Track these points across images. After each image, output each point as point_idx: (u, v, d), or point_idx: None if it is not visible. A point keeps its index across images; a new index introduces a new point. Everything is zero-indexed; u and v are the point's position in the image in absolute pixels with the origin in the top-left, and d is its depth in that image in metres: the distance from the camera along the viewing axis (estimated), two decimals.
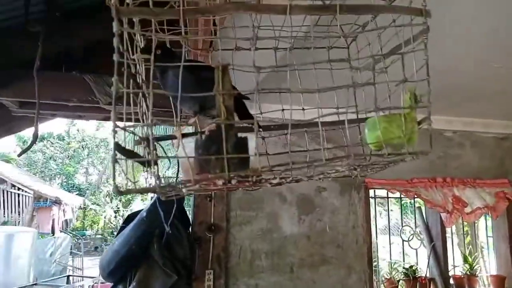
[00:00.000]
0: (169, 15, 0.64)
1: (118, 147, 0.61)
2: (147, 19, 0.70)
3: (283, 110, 1.02)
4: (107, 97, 3.05)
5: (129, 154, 0.65)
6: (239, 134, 0.69)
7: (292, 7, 0.67)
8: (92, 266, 11.00)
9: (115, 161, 0.59)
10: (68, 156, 18.33)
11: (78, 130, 18.30)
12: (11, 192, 11.34)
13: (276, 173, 0.68)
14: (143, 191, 0.62)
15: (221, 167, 0.63)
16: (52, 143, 17.86)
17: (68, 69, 3.02)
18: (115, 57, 0.61)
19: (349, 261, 3.39)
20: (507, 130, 3.96)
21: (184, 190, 0.71)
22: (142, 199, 16.24)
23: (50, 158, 17.68)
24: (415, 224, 4.18)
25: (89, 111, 3.22)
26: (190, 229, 3.14)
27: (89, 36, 3.13)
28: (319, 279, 3.29)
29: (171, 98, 0.86)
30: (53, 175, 18.12)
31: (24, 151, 2.69)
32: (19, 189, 11.55)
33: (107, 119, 3.47)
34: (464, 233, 4.91)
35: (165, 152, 0.78)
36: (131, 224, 2.81)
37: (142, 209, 2.98)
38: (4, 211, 11.12)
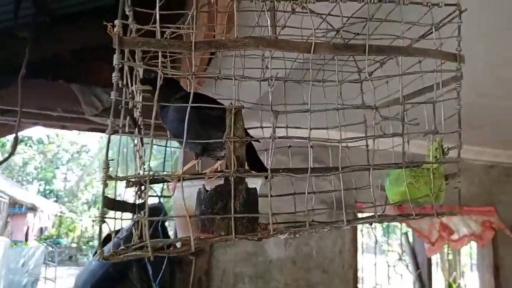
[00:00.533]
0: (179, 48, 0.56)
1: (108, 202, 0.51)
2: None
3: (289, 147, 0.94)
4: (93, 109, 2.93)
5: (120, 207, 0.56)
6: (248, 183, 0.60)
7: (316, 45, 0.60)
8: (66, 276, 10.64)
9: (102, 220, 0.50)
10: (47, 161, 17.84)
11: (57, 135, 17.83)
12: None
13: (288, 231, 0.59)
14: (134, 256, 0.53)
15: (227, 228, 0.54)
16: (31, 147, 17.38)
17: (54, 77, 2.90)
18: (113, 95, 0.52)
19: (335, 287, 3.30)
20: (496, 159, 3.97)
21: (179, 246, 0.61)
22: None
23: (27, 162, 17.18)
24: (401, 249, 4.14)
25: (73, 121, 3.09)
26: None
27: (79, 43, 3.02)
28: None
29: (168, 132, 0.78)
30: (30, 179, 17.59)
31: (1, 162, 2.55)
32: None
33: (92, 130, 3.33)
34: (447, 259, 4.89)
35: (159, 199, 0.68)
36: (109, 244, 2.68)
37: (121, 229, 2.85)
38: None
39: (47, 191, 17.46)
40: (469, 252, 4.36)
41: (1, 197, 11.14)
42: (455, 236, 3.62)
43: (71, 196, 16.32)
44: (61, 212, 15.09)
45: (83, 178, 14.50)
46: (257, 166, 0.67)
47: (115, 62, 0.52)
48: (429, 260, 3.74)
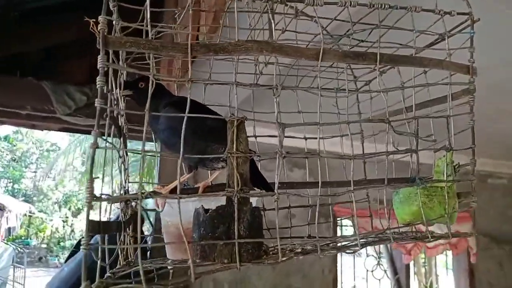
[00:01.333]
0: (173, 50, 0.49)
1: (93, 226, 0.44)
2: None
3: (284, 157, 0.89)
4: (66, 108, 2.79)
5: (105, 229, 0.49)
6: (252, 201, 0.54)
7: (325, 52, 0.54)
8: (34, 277, 10.29)
9: (88, 245, 0.43)
10: (15, 159, 17.17)
11: (26, 133, 17.14)
12: None
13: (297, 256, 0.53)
14: (124, 283, 0.46)
15: (230, 255, 0.47)
16: None
17: (23, 74, 2.75)
18: (98, 103, 0.45)
19: None
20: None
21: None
22: (93, 210, 15.43)
23: None
24: (379, 254, 4.15)
25: (44, 120, 2.93)
26: (148, 255, 2.90)
27: (50, 39, 2.88)
28: None
29: (161, 143, 0.71)
30: None
31: None
32: None
33: (64, 130, 3.18)
34: (425, 264, 4.96)
35: (147, 217, 0.61)
36: None
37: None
38: None
39: (15, 190, 16.81)
40: (445, 257, 4.43)
41: None
42: (430, 244, 3.66)
43: (40, 195, 15.75)
44: (30, 212, 14.55)
45: (48, 175, 13.92)
46: (260, 183, 0.61)
47: (99, 64, 0.45)
48: (407, 265, 3.78)
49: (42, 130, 3.36)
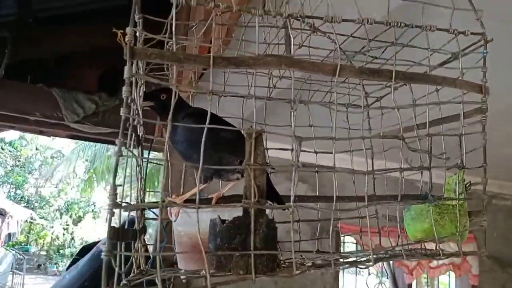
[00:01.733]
0: (196, 63, 0.51)
1: (113, 233, 0.45)
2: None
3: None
4: (74, 115, 2.81)
5: (124, 236, 0.49)
6: (268, 213, 0.54)
7: (341, 68, 0.56)
8: (33, 284, 10.25)
9: (111, 250, 0.43)
10: (19, 165, 17.21)
11: (31, 139, 17.19)
12: None
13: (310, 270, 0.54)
14: None
15: (246, 266, 0.48)
16: (3, 149, 16.74)
17: (34, 80, 2.78)
18: (123, 112, 0.46)
19: None
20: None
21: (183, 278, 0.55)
22: (93, 217, 15.46)
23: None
24: (382, 272, 4.11)
25: (52, 127, 2.96)
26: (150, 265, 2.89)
27: (62, 47, 2.92)
28: None
29: (180, 154, 0.72)
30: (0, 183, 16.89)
31: None
32: None
33: (71, 137, 3.21)
34: (427, 284, 4.91)
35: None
36: (86, 257, 2.55)
37: (100, 240, 2.72)
38: None
39: (18, 196, 16.80)
40: (447, 276, 4.38)
41: None
42: (433, 263, 3.63)
43: (42, 201, 15.75)
44: (31, 218, 14.52)
45: (49, 181, 13.91)
46: (272, 196, 0.62)
47: (126, 74, 0.47)
48: (409, 285, 3.74)
49: (50, 137, 3.39)
